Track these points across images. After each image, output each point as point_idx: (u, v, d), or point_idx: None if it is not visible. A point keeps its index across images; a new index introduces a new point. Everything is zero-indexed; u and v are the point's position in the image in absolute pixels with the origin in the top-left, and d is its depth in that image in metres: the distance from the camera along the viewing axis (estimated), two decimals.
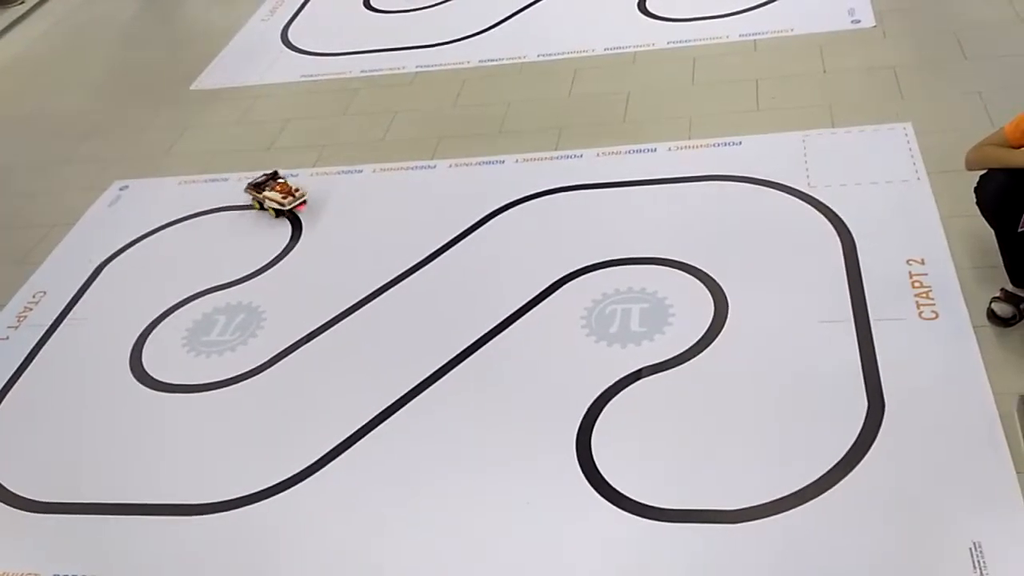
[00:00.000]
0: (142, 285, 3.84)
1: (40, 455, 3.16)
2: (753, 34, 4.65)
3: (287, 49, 5.55)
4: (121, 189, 4.51)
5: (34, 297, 3.89)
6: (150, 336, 3.55)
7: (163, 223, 4.18)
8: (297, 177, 4.30)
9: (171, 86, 5.40)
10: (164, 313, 3.64)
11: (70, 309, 3.78)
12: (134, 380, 3.36)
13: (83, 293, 3.86)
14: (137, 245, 4.09)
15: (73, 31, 6.53)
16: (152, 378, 3.36)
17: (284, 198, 3.99)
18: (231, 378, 3.28)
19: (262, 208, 4.06)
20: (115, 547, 2.78)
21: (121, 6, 6.89)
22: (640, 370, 2.94)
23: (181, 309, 3.65)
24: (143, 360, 3.44)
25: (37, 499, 2.98)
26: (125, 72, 5.70)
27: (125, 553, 2.76)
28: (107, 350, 3.52)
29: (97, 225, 4.30)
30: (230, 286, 3.71)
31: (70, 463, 3.10)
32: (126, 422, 3.21)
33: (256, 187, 4.09)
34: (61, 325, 3.71)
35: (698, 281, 3.24)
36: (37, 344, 3.62)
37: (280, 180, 4.10)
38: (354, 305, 3.47)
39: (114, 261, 4.02)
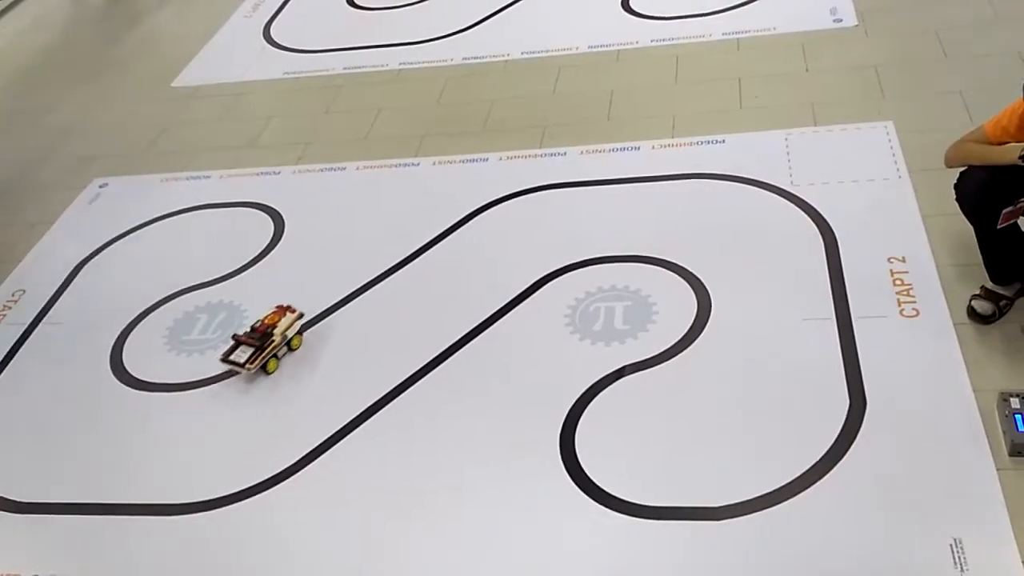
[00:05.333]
0: (123, 283, 3.81)
1: (20, 454, 3.13)
2: (736, 33, 4.66)
3: (269, 46, 5.53)
4: (101, 187, 4.48)
5: (13, 295, 3.85)
6: (131, 334, 3.52)
7: (144, 221, 4.15)
8: (279, 174, 4.28)
9: (152, 83, 5.37)
10: (145, 311, 3.62)
11: (50, 307, 3.75)
12: (114, 379, 3.33)
13: (63, 291, 3.83)
14: (118, 243, 4.06)
15: (52, 28, 6.47)
16: (133, 376, 3.33)
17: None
18: (213, 377, 3.26)
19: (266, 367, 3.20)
20: (96, 547, 2.76)
21: (100, 3, 6.84)
22: (623, 368, 2.95)
23: (162, 307, 3.62)
24: (124, 358, 3.42)
25: (17, 499, 2.96)
26: (105, 69, 5.65)
27: (106, 553, 2.73)
28: (87, 348, 3.49)
29: (77, 223, 4.26)
30: (212, 284, 3.69)
31: (50, 462, 3.07)
32: (106, 421, 3.18)
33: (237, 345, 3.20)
34: (41, 324, 3.68)
35: (681, 279, 3.24)
36: (16, 343, 3.59)
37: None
38: (336, 304, 3.45)
39: (94, 259, 3.99)
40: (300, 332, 3.28)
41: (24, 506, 2.93)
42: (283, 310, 3.27)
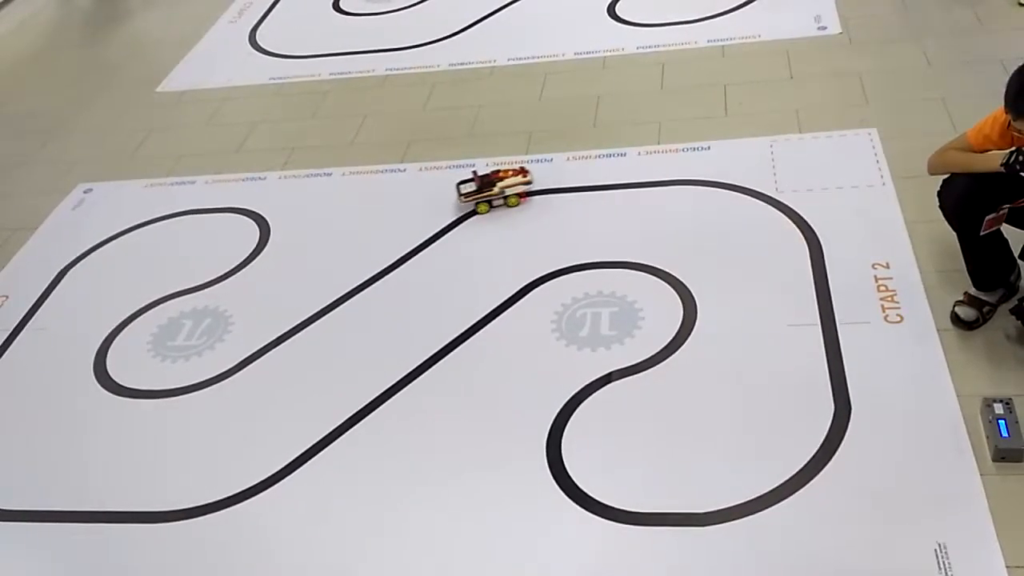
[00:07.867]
0: (107, 289, 3.79)
1: (2, 462, 3.10)
2: (721, 40, 4.69)
3: (255, 51, 5.52)
4: (85, 192, 4.45)
5: None
6: (115, 341, 3.50)
7: (128, 226, 4.13)
8: (265, 179, 4.27)
9: (137, 88, 5.34)
10: (129, 318, 3.59)
11: (33, 314, 3.72)
12: (98, 386, 3.31)
13: (46, 298, 3.80)
14: (101, 249, 4.04)
15: (37, 33, 6.44)
16: (117, 383, 3.31)
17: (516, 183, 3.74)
18: (198, 383, 3.24)
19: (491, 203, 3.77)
20: (79, 555, 2.73)
21: (86, 8, 6.82)
22: (610, 374, 2.95)
23: (147, 313, 3.60)
24: (107, 365, 3.40)
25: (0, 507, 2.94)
26: (90, 74, 5.62)
27: (89, 562, 2.71)
28: (71, 355, 3.47)
29: (61, 228, 4.23)
30: (196, 290, 3.67)
31: (33, 470, 3.04)
32: (90, 428, 3.16)
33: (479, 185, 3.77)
34: (23, 330, 3.65)
35: (667, 285, 3.25)
36: None
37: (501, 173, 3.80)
38: (322, 309, 3.45)
39: (78, 265, 3.96)
40: (521, 195, 3.76)
41: (6, 514, 2.90)
42: (518, 171, 3.79)
